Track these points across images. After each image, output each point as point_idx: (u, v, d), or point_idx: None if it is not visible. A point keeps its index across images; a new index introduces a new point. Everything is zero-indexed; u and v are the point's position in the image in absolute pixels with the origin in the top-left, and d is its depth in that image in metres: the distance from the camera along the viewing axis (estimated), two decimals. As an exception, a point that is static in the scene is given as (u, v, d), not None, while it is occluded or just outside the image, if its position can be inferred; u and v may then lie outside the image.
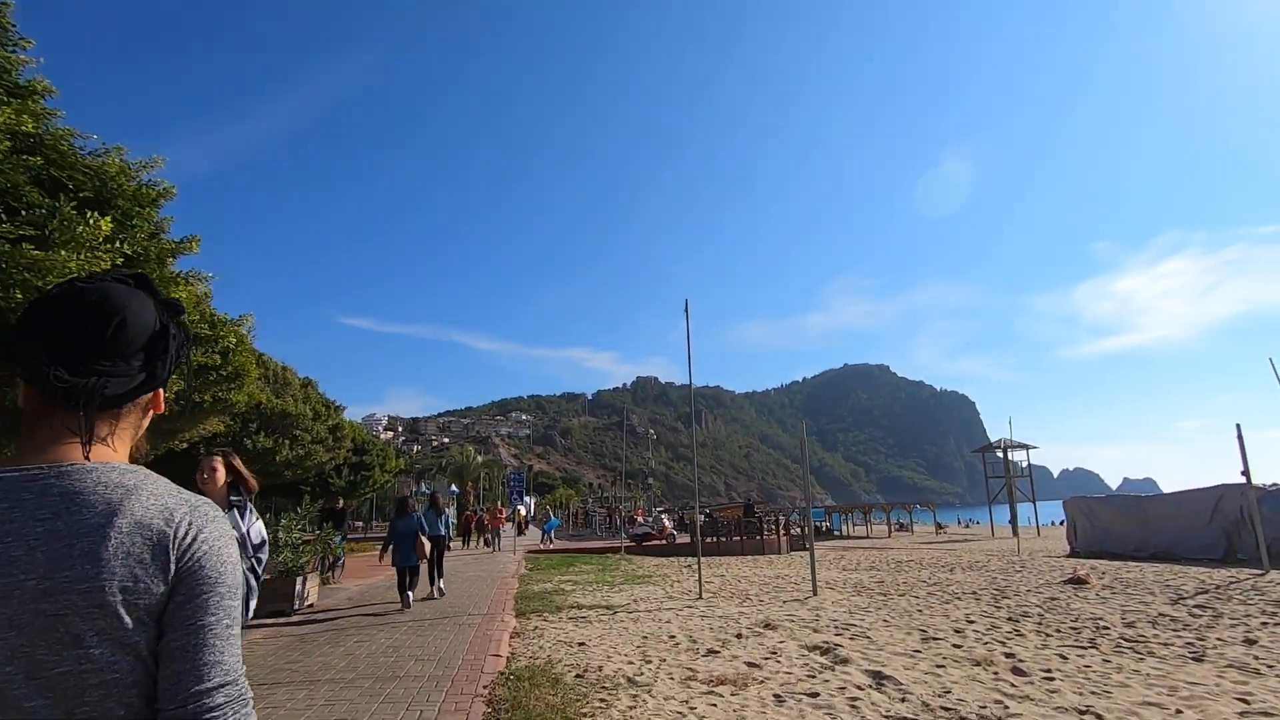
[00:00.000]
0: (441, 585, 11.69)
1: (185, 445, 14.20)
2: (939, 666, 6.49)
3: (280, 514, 11.97)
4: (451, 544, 13.00)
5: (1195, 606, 10.17)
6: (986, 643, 7.66)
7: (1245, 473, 14.41)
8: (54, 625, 0.86)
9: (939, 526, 52.33)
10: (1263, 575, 13.68)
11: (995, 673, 6.28)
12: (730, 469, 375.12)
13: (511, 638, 7.79)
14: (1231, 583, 12.70)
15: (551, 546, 25.76)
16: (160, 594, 0.92)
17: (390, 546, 10.77)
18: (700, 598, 11.44)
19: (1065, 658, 6.85)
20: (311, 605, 10.57)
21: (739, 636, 7.76)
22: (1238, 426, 14.53)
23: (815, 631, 8.22)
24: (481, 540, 28.22)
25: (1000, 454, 46.02)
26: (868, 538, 45.50)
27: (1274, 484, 18.04)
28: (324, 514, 14.74)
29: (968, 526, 70.84)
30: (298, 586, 9.76)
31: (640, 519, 32.14)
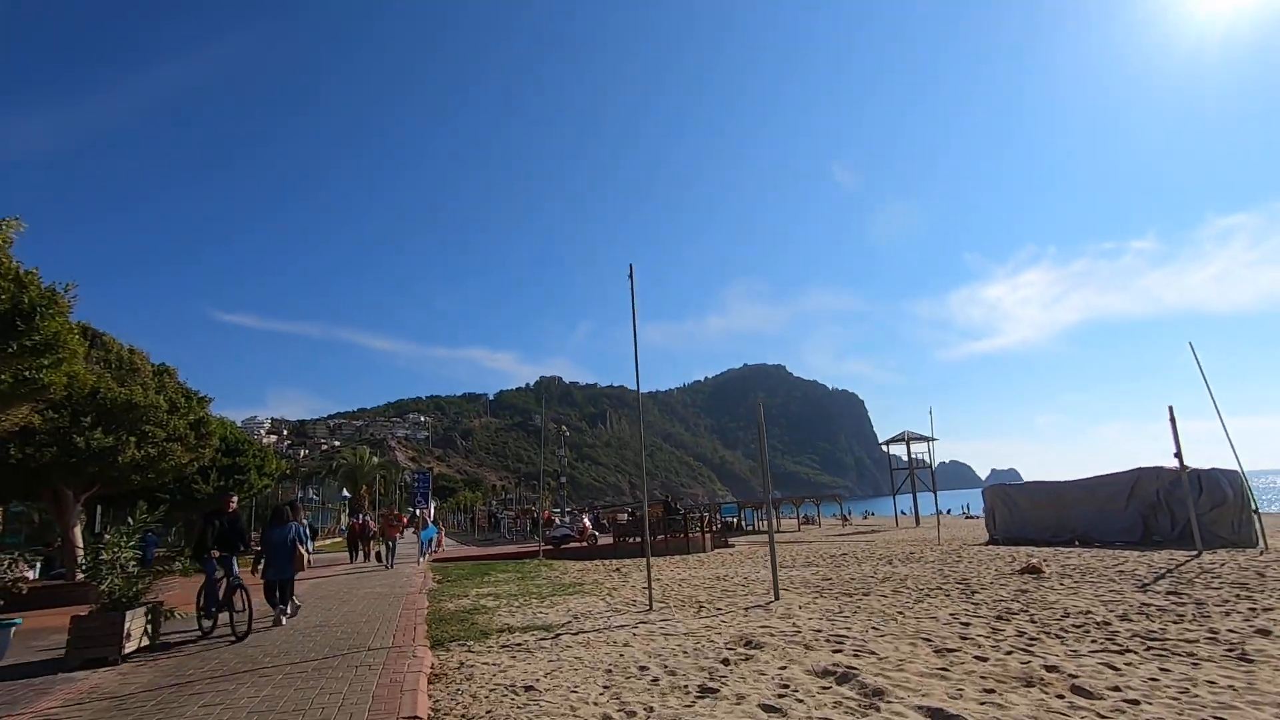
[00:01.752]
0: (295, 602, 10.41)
1: (-18, 443, 11.04)
2: (988, 691, 5.19)
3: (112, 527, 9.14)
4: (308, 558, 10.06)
5: (1169, 594, 9.65)
6: (1008, 651, 6.51)
7: (1178, 455, 14.46)
8: None
9: (845, 518, 53.41)
10: (1197, 556, 13.74)
11: (1061, 696, 5.05)
12: (635, 468, 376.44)
13: (431, 683, 5.82)
14: (1177, 565, 12.55)
15: (440, 555, 23.23)
16: None
17: (264, 560, 9.87)
18: (651, 609, 9.80)
19: (1117, 669, 5.75)
20: (148, 645, 8.04)
21: (726, 663, 6.18)
22: (1170, 409, 14.57)
23: (809, 650, 6.78)
24: (373, 554, 23.33)
25: (904, 446, 47.32)
26: (779, 531, 45.74)
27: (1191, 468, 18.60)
28: (208, 521, 9.45)
29: (866, 517, 73.59)
30: (127, 624, 7.26)
31: (556, 520, 30.00)
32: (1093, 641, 6.92)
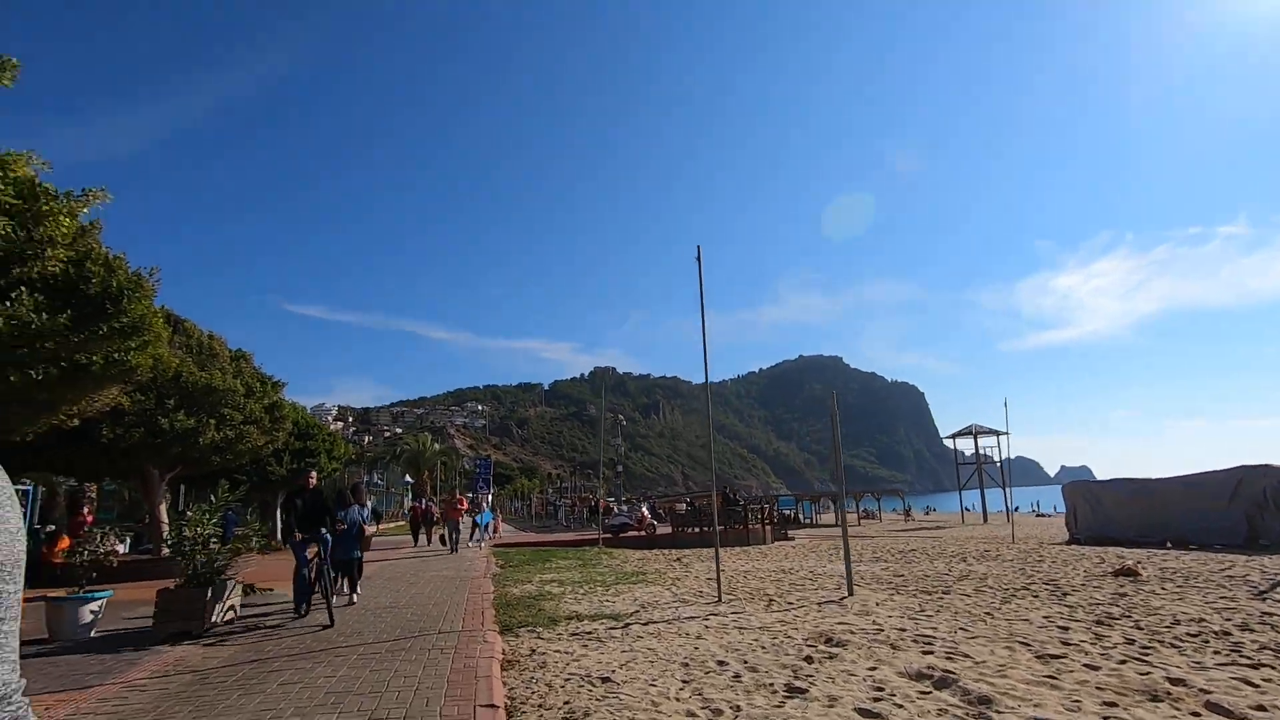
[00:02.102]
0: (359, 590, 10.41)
1: (78, 422, 11.57)
2: (1109, 704, 4.70)
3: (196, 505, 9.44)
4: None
5: (1291, 602, 8.79)
6: (1121, 660, 5.95)
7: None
8: None
9: (907, 513, 51.83)
10: (1317, 562, 12.56)
11: (1197, 714, 4.53)
12: (688, 458, 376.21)
13: (504, 669, 5.69)
14: (1293, 571, 11.48)
15: (498, 541, 23.47)
16: None
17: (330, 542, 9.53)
18: (720, 601, 9.51)
19: (1255, 685, 5.15)
20: (231, 620, 8.24)
21: (809, 661, 5.84)
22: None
23: (895, 649, 6.37)
24: (435, 537, 23.69)
25: (971, 439, 45.49)
26: (837, 525, 44.68)
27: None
28: (289, 502, 9.48)
29: (928, 513, 71.31)
30: (209, 598, 7.43)
31: (614, 509, 30.01)
32: (1215, 653, 6.28)
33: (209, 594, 7.44)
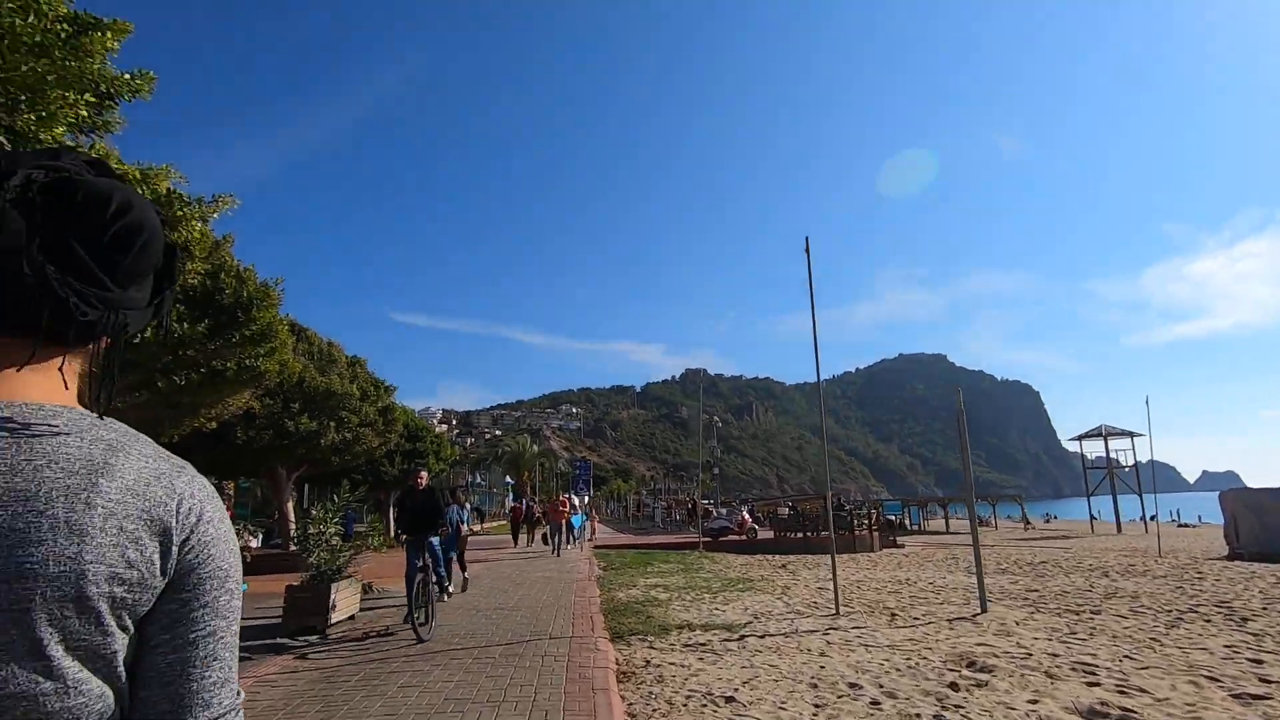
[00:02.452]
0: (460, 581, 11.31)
1: (215, 425, 12.44)
2: (1348, 762, 3.89)
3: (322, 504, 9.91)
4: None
5: None
6: (1346, 707, 4.98)
7: None
8: (4, 625, 0.59)
9: (1027, 522, 48.22)
10: None
11: None
12: (782, 461, 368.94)
13: (620, 682, 5.45)
14: None
15: (596, 542, 23.46)
16: (155, 588, 0.67)
17: None
18: (837, 613, 8.94)
19: None
20: (353, 616, 8.50)
21: (954, 688, 5.26)
22: None
23: (1052, 678, 5.65)
24: (537, 537, 23.68)
25: (1101, 441, 41.72)
26: (948, 533, 42.09)
27: None
28: (400, 504, 9.21)
29: (1048, 520, 66.21)
30: (333, 595, 7.67)
31: (713, 512, 29.54)
32: None
33: (332, 591, 7.67)
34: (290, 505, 17.55)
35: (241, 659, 5.48)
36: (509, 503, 43.63)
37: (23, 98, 2.60)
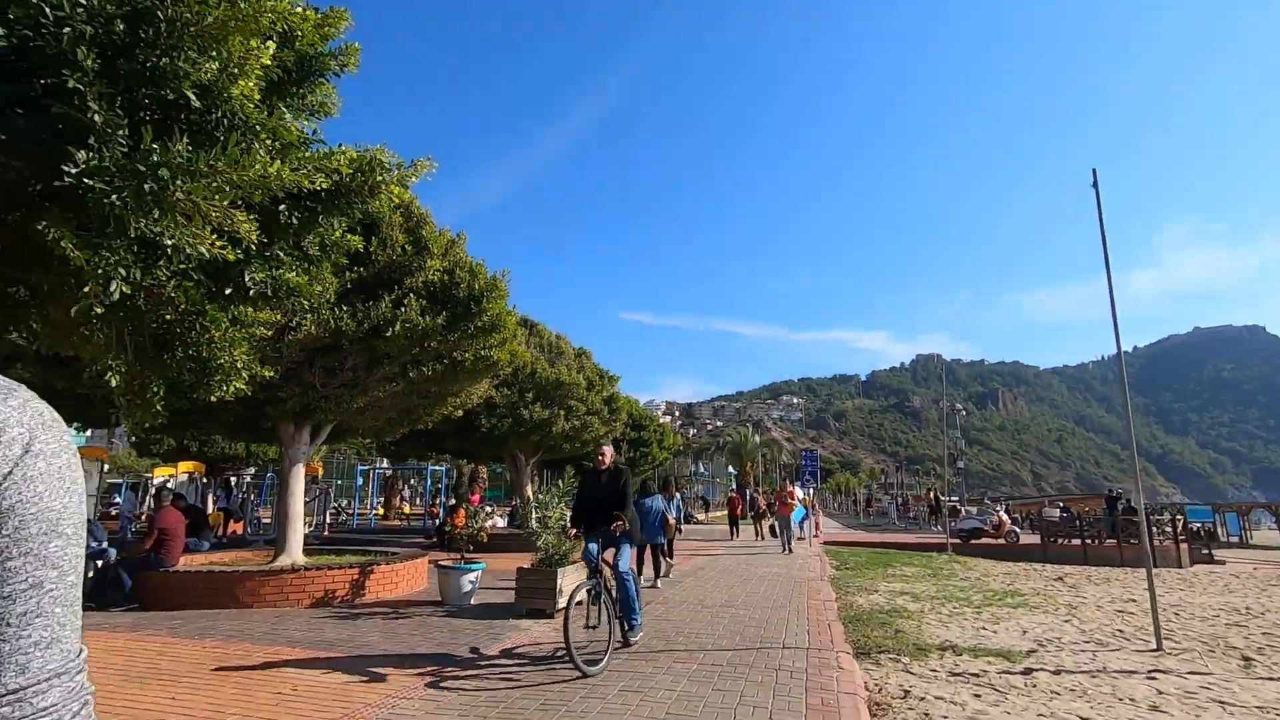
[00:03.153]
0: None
1: (462, 413, 13.50)
2: None
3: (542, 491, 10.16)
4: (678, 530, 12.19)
5: None
6: None
7: None
8: None
9: None
10: None
11: None
12: (1038, 455, 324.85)
13: (873, 716, 4.47)
14: None
15: (822, 538, 21.58)
16: None
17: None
18: (1159, 648, 6.91)
19: None
20: (581, 602, 8.43)
21: None
22: None
23: None
24: (763, 530, 21.81)
25: None
26: (1274, 548, 32.96)
27: None
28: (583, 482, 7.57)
29: None
30: (560, 580, 7.62)
31: (962, 511, 26.19)
32: None
33: (559, 576, 7.63)
34: (530, 489, 18.78)
35: (478, 635, 5.39)
36: (731, 493, 43.34)
37: (210, 49, 2.56)
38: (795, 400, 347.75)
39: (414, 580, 9.69)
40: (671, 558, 12.01)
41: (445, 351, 10.16)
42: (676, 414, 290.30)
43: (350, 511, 30.59)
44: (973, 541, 20.52)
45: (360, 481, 32.41)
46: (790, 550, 15.98)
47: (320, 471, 36.70)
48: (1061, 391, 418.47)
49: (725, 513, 26.69)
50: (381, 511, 33.59)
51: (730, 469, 50.48)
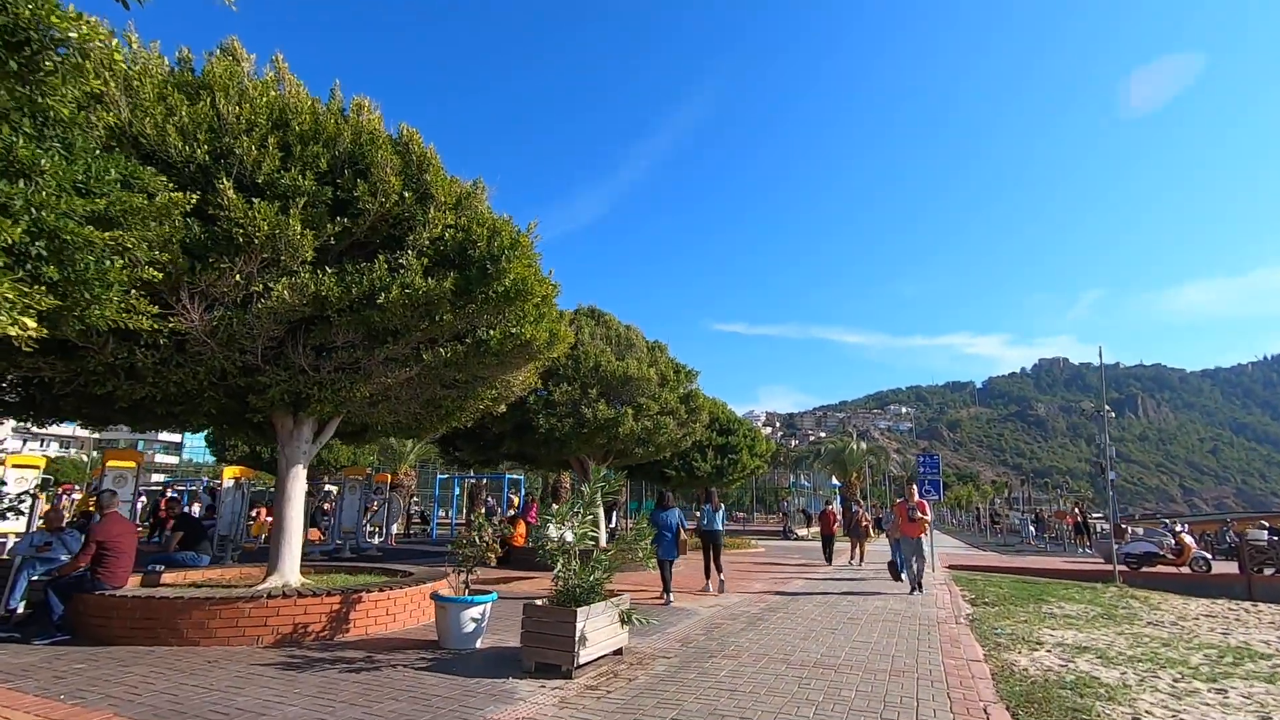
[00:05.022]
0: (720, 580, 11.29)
1: (504, 408, 11.64)
2: None
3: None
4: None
5: None
6: None
7: None
8: None
9: None
10: None
11: None
12: (1187, 468, 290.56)
13: None
14: None
15: (947, 563, 17.86)
16: None
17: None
18: None
19: None
20: (620, 652, 6.19)
21: None
22: None
23: None
24: (856, 556, 17.58)
25: None
26: None
27: None
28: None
29: None
30: (580, 624, 5.38)
31: (1130, 532, 21.54)
32: None
33: (579, 618, 5.40)
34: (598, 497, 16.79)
35: (461, 706, 3.07)
36: (836, 507, 39.30)
37: None
38: (904, 409, 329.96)
39: (419, 611, 7.75)
40: (721, 571, 11.47)
41: (463, 327, 8.28)
42: (777, 424, 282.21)
43: (445, 521, 31.40)
44: (1144, 570, 16.48)
45: (453, 492, 32.88)
46: (921, 589, 11.60)
47: (413, 479, 36.79)
48: (1215, 396, 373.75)
49: (819, 529, 21.25)
50: (464, 522, 33.02)
51: (833, 480, 46.38)
